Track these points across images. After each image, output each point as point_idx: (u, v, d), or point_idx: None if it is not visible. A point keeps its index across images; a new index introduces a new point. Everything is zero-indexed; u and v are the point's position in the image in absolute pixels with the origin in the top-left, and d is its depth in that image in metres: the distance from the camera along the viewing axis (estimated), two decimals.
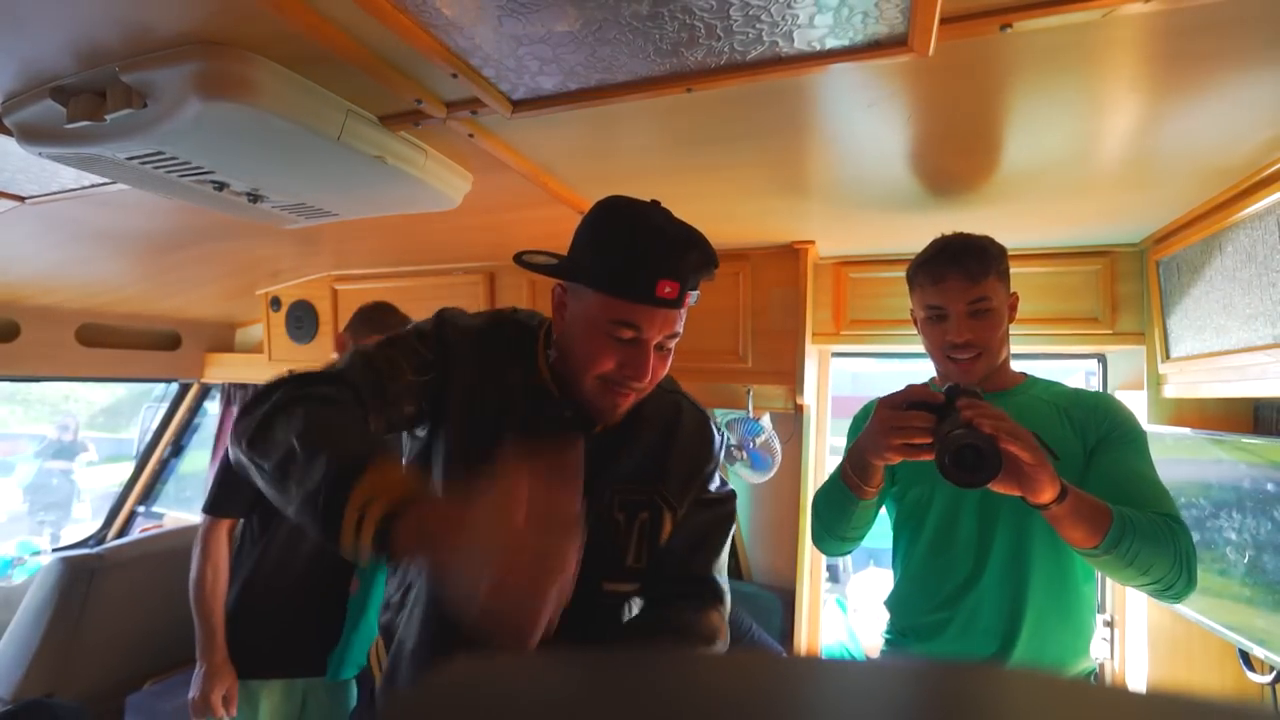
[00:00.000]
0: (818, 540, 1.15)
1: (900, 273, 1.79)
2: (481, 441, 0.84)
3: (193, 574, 1.49)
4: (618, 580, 0.90)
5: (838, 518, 1.07)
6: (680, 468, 0.94)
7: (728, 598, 0.96)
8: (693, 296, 0.81)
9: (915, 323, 1.17)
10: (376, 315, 1.58)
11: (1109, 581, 1.77)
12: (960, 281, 1.06)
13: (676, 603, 0.91)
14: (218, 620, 1.48)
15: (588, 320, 0.81)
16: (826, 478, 1.13)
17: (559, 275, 0.84)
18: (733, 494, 1.01)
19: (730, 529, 1.00)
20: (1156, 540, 0.88)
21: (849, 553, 1.18)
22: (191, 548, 1.53)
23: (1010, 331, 1.12)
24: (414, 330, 0.89)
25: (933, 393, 0.94)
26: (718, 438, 1.00)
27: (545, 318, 0.95)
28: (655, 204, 0.81)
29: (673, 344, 0.84)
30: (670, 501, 0.92)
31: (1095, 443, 1.04)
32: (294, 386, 0.74)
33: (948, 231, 1.16)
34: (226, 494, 1.52)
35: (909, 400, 0.94)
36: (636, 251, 0.77)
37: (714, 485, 0.99)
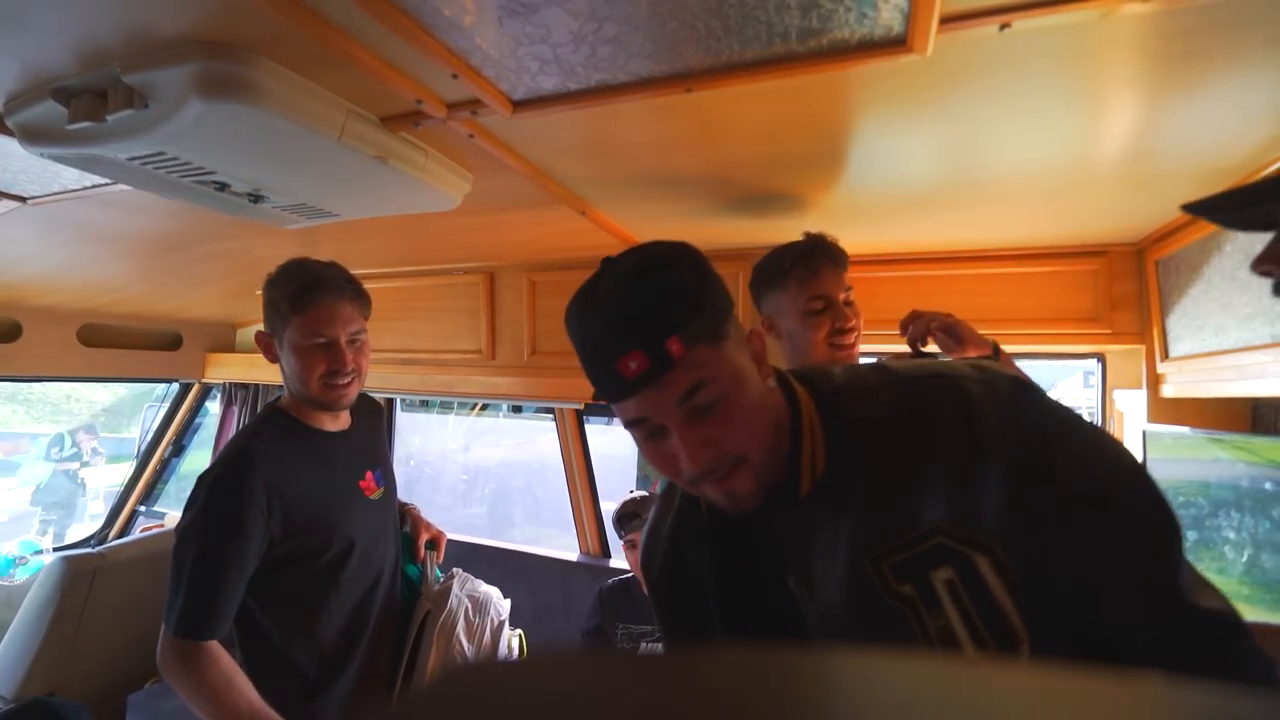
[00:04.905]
0: None
1: (900, 272, 1.81)
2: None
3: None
4: None
5: None
6: (942, 480, 0.60)
7: (1236, 618, 0.58)
8: (682, 343, 0.59)
9: (770, 330, 1.22)
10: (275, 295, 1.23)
11: None
12: (835, 272, 1.18)
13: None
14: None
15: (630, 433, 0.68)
16: None
17: None
18: (1131, 466, 0.61)
19: (1156, 520, 0.58)
20: None
21: None
22: None
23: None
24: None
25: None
26: (968, 404, 0.62)
27: None
28: (601, 272, 0.65)
29: (713, 388, 0.61)
30: (967, 533, 0.59)
31: None
32: None
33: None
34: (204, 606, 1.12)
35: None
36: (588, 358, 0.65)
37: (1054, 475, 0.59)
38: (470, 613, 1.40)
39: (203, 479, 1.18)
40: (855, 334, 1.21)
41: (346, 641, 1.26)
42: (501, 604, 1.51)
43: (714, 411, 0.62)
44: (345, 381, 1.24)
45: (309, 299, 1.20)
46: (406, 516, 1.53)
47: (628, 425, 0.65)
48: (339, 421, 1.33)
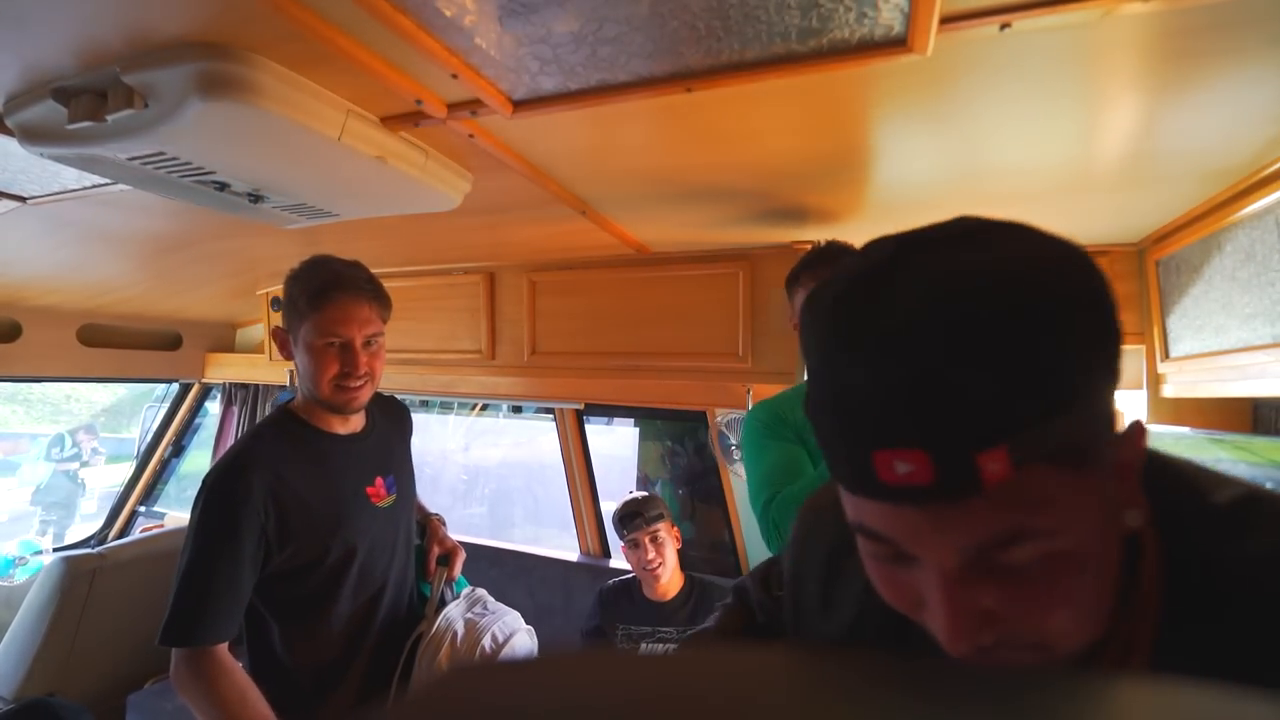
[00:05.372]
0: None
1: None
2: None
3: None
4: None
5: None
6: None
7: None
8: (1011, 458, 0.33)
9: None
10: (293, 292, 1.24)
11: None
12: None
13: None
14: None
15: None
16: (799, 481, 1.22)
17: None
18: None
19: None
20: None
21: None
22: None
23: None
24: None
25: None
26: None
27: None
28: (896, 265, 0.39)
29: (1042, 544, 0.35)
30: None
31: None
32: None
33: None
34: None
35: None
36: (827, 407, 0.38)
37: None
38: (458, 639, 1.34)
39: (204, 482, 1.18)
40: None
41: (343, 655, 1.23)
42: (503, 630, 1.41)
43: (1027, 575, 0.35)
44: (357, 385, 1.22)
45: (327, 298, 1.19)
46: (426, 529, 1.47)
47: (855, 528, 0.40)
48: (349, 424, 1.30)
